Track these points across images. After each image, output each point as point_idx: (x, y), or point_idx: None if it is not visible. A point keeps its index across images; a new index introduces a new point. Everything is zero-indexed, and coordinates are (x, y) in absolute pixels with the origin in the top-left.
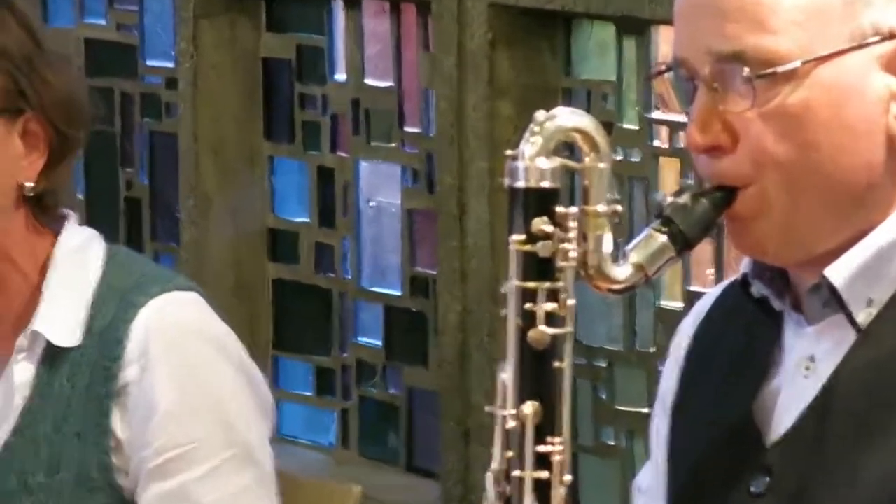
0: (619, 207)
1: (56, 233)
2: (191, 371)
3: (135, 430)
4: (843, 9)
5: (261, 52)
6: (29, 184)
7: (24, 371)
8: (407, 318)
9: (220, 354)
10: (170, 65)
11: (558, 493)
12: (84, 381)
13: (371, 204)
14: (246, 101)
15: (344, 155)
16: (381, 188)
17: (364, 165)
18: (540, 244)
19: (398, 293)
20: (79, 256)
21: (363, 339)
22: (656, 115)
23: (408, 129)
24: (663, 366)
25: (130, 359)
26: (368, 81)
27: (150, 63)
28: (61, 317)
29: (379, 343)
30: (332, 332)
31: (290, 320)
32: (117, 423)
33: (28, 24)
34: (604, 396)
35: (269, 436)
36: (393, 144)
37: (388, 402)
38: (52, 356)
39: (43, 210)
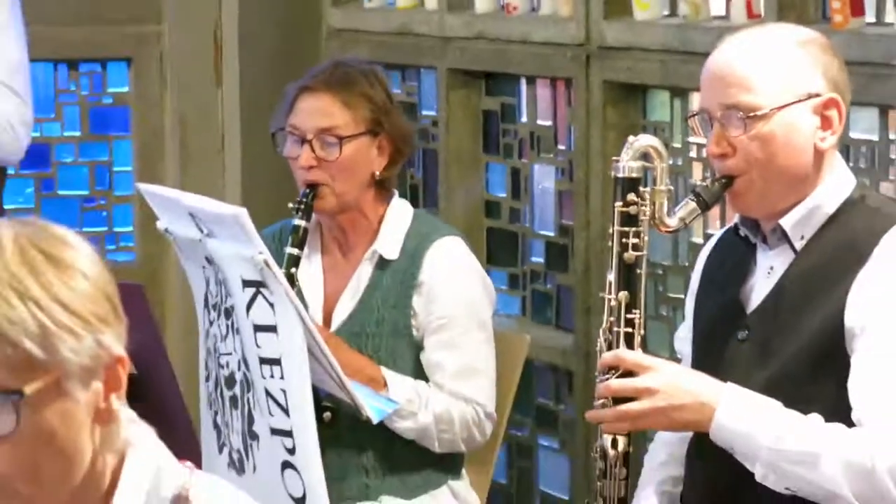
0: (671, 188)
1: (388, 202)
2: (459, 278)
3: (425, 306)
4: (790, 80)
5: (482, 107)
6: (377, 173)
7: (366, 270)
8: (558, 248)
9: (474, 272)
10: (434, 114)
11: (637, 340)
12: (399, 278)
13: (539, 187)
14: (474, 133)
15: (525, 161)
16: (544, 179)
17: (536, 167)
18: (631, 207)
19: (553, 234)
20: (401, 213)
21: (534, 259)
22: (691, 139)
23: (559, 147)
24: (692, 272)
25: (426, 268)
26: (539, 122)
27: (424, 112)
28: (389, 243)
29: (542, 261)
30: (518, 255)
31: (495, 250)
32: (415, 301)
33: (385, 85)
34: (661, 289)
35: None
36: (551, 155)
37: (548, 293)
38: (381, 264)
39: (383, 189)
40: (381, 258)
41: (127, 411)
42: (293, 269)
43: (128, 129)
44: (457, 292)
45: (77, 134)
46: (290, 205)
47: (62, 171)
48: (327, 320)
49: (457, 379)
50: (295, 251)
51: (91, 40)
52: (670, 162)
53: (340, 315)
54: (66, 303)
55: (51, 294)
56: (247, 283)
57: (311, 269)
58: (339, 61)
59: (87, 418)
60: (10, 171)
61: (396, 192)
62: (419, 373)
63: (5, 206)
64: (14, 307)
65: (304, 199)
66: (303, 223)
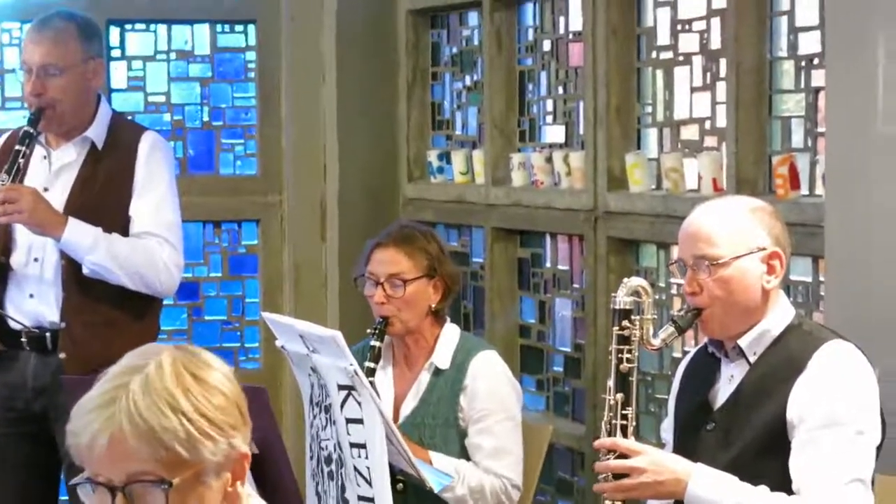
0: (656, 317)
1: (442, 326)
2: (494, 381)
3: (469, 403)
4: (743, 237)
5: (517, 255)
6: (433, 305)
7: (425, 377)
8: (573, 361)
9: (505, 376)
10: (481, 260)
11: (630, 430)
12: (449, 382)
13: (559, 315)
14: (511, 274)
15: (549, 295)
16: (563, 309)
17: (557, 300)
18: (626, 331)
19: (569, 350)
20: (451, 334)
21: (556, 368)
22: (671, 280)
23: (574, 285)
24: (674, 379)
25: (469, 375)
26: (560, 267)
27: (474, 259)
28: (443, 357)
29: (561, 370)
30: (543, 366)
31: (526, 361)
32: (461, 400)
33: (438, 240)
34: (650, 391)
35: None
36: (568, 291)
37: (566, 394)
38: (436, 372)
39: (438, 316)
40: (436, 368)
41: (247, 489)
42: (371, 379)
43: (256, 271)
44: (492, 391)
45: (219, 275)
46: (368, 330)
47: (208, 302)
48: (396, 414)
49: (490, 458)
50: (372, 364)
51: (230, 207)
52: (655, 297)
53: (406, 410)
54: (208, 415)
55: (196, 408)
56: (341, 387)
57: (385, 376)
58: (404, 224)
59: (218, 499)
60: (168, 301)
61: (448, 318)
62: (463, 454)
63: (163, 328)
64: (168, 417)
65: (379, 326)
66: (377, 344)
